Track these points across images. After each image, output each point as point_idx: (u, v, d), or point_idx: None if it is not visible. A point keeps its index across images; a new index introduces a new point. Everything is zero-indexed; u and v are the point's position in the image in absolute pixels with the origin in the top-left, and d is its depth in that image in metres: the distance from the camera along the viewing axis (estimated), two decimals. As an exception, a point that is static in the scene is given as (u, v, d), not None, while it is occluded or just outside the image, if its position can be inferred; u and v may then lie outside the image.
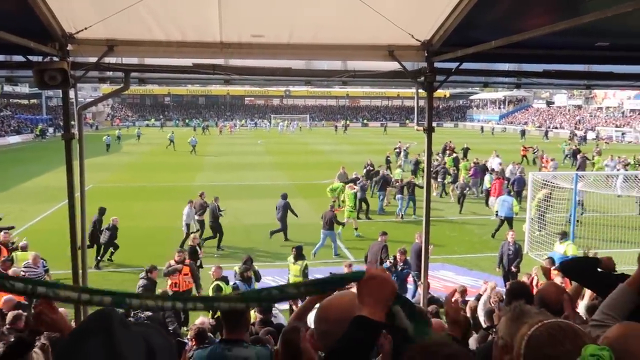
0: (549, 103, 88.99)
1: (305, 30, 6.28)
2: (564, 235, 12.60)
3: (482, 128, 75.41)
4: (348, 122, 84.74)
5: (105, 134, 45.64)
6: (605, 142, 46.54)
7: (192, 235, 13.92)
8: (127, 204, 21.33)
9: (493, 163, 26.57)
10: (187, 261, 11.12)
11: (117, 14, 5.38)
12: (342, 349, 1.53)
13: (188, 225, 16.43)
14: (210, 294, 9.46)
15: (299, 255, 11.55)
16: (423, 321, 1.74)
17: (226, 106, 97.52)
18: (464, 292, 9.24)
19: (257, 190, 24.97)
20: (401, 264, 11.54)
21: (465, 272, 13.71)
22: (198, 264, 12.31)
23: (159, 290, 9.98)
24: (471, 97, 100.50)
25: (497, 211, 17.69)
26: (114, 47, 6.02)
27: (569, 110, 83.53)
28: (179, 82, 8.73)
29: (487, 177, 22.97)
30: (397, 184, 21.09)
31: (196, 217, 16.64)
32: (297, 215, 17.13)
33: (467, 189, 21.02)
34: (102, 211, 15.32)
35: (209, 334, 6.87)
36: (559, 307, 3.01)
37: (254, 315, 7.69)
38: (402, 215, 19.96)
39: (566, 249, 11.83)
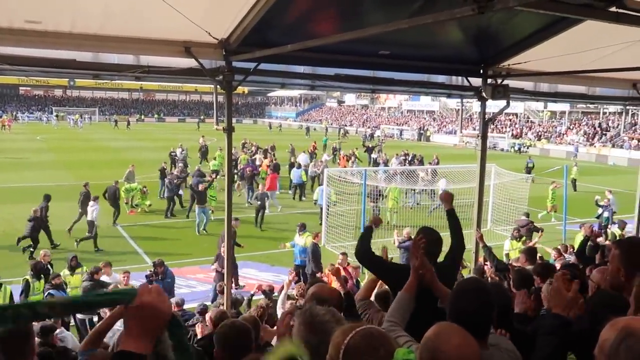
0: (340, 102, 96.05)
1: (91, 19, 5.71)
2: (302, 227, 13.19)
3: (270, 125, 77.71)
4: (140, 116, 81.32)
5: None
6: (382, 140, 51.65)
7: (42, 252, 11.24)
8: None
9: (301, 159, 27.61)
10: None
11: None
12: None
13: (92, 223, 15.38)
14: None
15: (78, 264, 10.62)
16: (187, 353, 1.57)
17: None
18: (272, 290, 9.33)
19: (38, 193, 22.32)
20: (160, 276, 10.48)
21: (268, 268, 13.98)
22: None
23: None
24: (269, 95, 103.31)
25: (316, 200, 19.27)
26: None
27: (357, 109, 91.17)
28: None
29: (296, 172, 23.85)
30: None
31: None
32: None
33: (267, 198, 19.79)
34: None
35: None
36: (335, 302, 3.18)
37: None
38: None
39: (305, 241, 12.59)
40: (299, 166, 24.76)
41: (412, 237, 12.84)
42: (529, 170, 27.14)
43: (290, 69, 7.66)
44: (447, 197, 4.67)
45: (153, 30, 6.16)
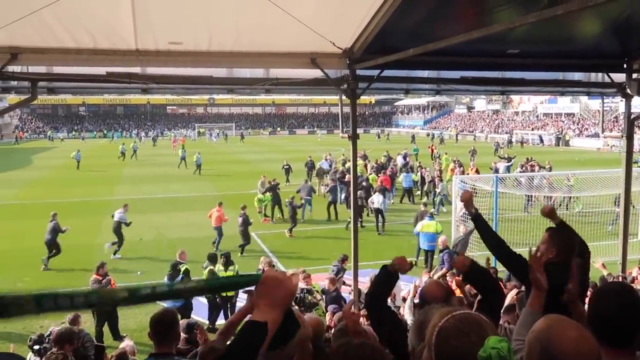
0: (470, 108, 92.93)
1: (225, 37, 6.15)
2: (431, 215, 14.96)
3: (378, 134, 76.07)
4: (273, 129, 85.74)
5: (76, 150, 39.85)
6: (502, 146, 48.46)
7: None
8: (36, 222, 20.05)
9: (398, 161, 30.36)
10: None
11: (20, 20, 5.02)
12: (227, 355, 1.54)
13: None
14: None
15: (228, 261, 11.34)
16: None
17: (147, 115, 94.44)
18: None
19: (183, 203, 24.29)
20: None
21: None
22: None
23: None
24: (396, 104, 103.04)
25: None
26: (17, 55, 5.62)
27: (488, 114, 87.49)
28: (94, 91, 8.36)
29: (406, 176, 24.57)
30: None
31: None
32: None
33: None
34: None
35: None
36: (443, 303, 3.06)
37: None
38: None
39: (436, 227, 14.16)
40: (408, 171, 25.66)
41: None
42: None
43: (413, 74, 7.62)
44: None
45: (281, 45, 6.48)
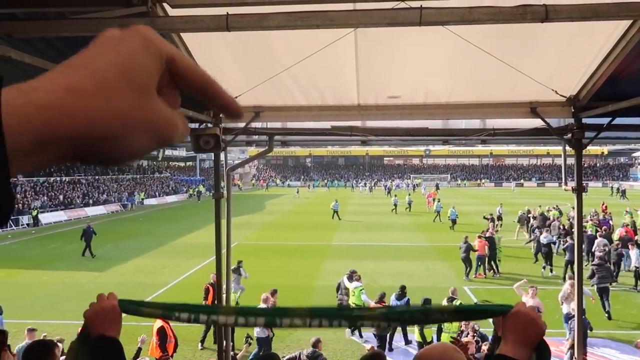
0: None
1: (441, 89, 6.30)
2: None
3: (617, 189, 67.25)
4: (483, 181, 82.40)
5: (333, 200, 39.81)
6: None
7: None
8: (268, 262, 22.24)
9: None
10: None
11: (263, 83, 5.86)
12: None
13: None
14: None
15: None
16: None
17: (365, 166, 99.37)
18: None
19: (394, 252, 24.70)
20: None
21: (633, 351, 12.01)
22: None
23: None
24: (634, 154, 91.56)
25: None
26: (260, 113, 6.53)
27: None
28: (319, 143, 9.36)
29: None
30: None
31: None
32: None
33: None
34: None
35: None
36: None
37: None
38: None
39: None
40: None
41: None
42: None
43: (653, 121, 6.80)
44: None
45: (498, 95, 6.39)
